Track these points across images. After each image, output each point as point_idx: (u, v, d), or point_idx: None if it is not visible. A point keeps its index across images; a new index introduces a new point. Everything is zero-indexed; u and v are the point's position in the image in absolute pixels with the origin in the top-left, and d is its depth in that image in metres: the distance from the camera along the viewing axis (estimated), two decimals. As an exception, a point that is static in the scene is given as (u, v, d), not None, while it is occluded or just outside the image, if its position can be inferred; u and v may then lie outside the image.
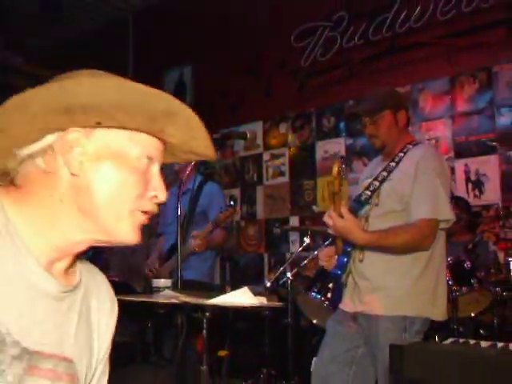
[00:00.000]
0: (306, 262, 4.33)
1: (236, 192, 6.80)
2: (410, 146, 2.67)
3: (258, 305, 2.01)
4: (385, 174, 2.61)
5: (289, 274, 4.37)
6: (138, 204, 1.11)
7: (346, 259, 2.59)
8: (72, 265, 1.15)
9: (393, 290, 2.51)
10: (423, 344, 1.64)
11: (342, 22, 5.90)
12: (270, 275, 5.41)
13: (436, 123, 5.40)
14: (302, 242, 4.60)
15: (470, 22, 5.12)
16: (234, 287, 2.72)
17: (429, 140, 5.16)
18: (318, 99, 6.11)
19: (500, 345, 1.40)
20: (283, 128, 6.52)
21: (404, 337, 2.43)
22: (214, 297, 2.09)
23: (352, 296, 2.63)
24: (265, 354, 4.57)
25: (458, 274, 3.89)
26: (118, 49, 7.93)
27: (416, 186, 2.50)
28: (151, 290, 2.76)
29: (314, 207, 5.83)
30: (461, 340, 1.48)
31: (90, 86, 1.01)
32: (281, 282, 4.60)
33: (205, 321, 2.20)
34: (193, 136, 1.13)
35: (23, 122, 1.02)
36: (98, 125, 1.06)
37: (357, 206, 2.64)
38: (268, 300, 2.94)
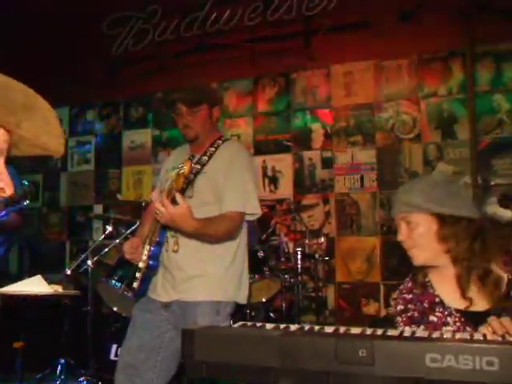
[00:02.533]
0: (107, 249, 4.24)
1: (38, 178, 6.43)
2: (220, 142, 2.73)
3: (51, 293, 1.92)
4: (198, 167, 2.64)
5: (89, 262, 4.25)
6: None
7: (159, 250, 2.58)
8: None
9: (208, 278, 2.57)
10: (213, 328, 1.69)
11: (155, 15, 5.86)
12: (71, 263, 5.21)
13: (239, 121, 5.62)
14: (104, 229, 4.48)
15: (273, 30, 5.40)
16: (33, 275, 2.57)
17: (232, 136, 5.35)
18: (127, 89, 6.01)
19: (282, 326, 1.48)
20: (90, 115, 6.32)
21: (217, 319, 2.52)
22: (6, 285, 1.96)
23: (165, 286, 2.62)
24: (63, 343, 4.41)
25: (252, 263, 4.06)
26: None
27: (229, 180, 2.57)
28: None
29: (119, 196, 5.74)
30: (249, 323, 1.55)
31: None
32: (82, 269, 4.45)
33: (-5, 310, 2.05)
34: (47, 132, 1.05)
35: None
36: None
37: None
38: (64, 288, 2.82)
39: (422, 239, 1.76)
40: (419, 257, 1.79)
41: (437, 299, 1.82)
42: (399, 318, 1.87)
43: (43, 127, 1.06)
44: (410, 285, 1.91)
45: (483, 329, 1.49)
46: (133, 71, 5.93)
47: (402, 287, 1.93)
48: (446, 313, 1.78)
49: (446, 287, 1.83)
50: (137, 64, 5.92)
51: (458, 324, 1.74)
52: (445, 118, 4.87)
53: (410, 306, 1.86)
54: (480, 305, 1.74)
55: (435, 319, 1.78)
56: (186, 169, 2.13)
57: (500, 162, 4.63)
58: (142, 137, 6.05)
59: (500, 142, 4.67)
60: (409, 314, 1.84)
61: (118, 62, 6.02)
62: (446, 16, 4.72)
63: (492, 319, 1.48)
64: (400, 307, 1.88)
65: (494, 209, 4.39)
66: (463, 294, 1.76)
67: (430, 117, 4.91)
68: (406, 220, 1.78)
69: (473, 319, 1.69)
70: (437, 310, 1.80)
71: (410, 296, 1.88)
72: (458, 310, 1.76)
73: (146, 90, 5.95)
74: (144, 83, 5.88)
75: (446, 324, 1.76)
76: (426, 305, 1.82)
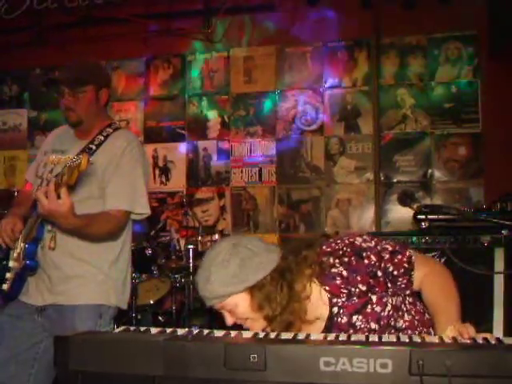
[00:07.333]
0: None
1: None
2: (110, 130, 2.65)
3: None
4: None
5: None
6: None
7: (35, 247, 2.48)
8: None
9: (88, 279, 2.50)
10: (91, 334, 1.66)
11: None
12: None
13: (128, 105, 5.53)
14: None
15: (169, 7, 5.34)
16: None
17: (120, 121, 5.24)
18: (-2, 62, 5.76)
19: (169, 330, 1.48)
20: (-46, 90, 6.00)
21: (99, 324, 2.46)
22: None
23: (40, 287, 2.51)
24: None
25: (139, 261, 4.03)
26: None
27: (117, 175, 2.51)
28: None
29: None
30: (132, 328, 1.54)
31: None
32: None
33: None
34: None
35: None
36: None
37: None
38: None
39: (246, 315, 1.82)
40: (257, 328, 1.82)
41: None
42: None
43: None
44: None
45: None
46: (6, 42, 5.65)
47: None
48: None
49: None
50: (10, 34, 5.65)
51: None
52: (348, 110, 5.04)
53: None
54: None
55: None
56: (83, 164, 2.05)
57: (402, 158, 4.87)
58: (17, 118, 5.82)
59: (403, 137, 4.90)
60: None
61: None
62: (352, 4, 4.87)
63: None
64: None
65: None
66: None
67: (334, 109, 5.07)
68: (224, 308, 1.83)
69: None
70: None
71: None
72: None
73: (22, 64, 5.72)
74: (19, 57, 5.65)
75: None
76: None
